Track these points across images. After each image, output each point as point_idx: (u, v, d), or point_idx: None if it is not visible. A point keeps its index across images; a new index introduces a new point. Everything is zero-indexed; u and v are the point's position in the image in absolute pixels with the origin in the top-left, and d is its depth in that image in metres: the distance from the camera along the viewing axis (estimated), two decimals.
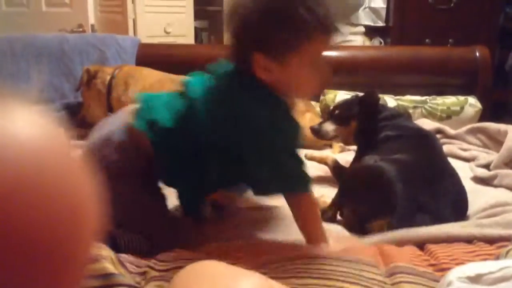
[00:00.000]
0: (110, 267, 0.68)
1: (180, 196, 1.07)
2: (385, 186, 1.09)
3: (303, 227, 0.99)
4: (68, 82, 1.95)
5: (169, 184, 1.06)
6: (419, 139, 1.27)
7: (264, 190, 1.01)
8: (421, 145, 1.25)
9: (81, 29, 2.79)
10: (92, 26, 2.92)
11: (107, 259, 0.69)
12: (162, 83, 1.78)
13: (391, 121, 1.32)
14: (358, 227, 1.11)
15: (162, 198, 1.06)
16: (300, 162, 0.97)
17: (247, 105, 0.94)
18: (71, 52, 1.99)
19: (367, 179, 1.15)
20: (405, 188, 1.08)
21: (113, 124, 1.05)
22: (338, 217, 1.19)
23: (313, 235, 0.98)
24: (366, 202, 1.12)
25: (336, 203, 1.18)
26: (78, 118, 1.81)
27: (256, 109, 0.93)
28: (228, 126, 0.95)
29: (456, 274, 0.63)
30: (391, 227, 1.06)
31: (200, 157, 0.99)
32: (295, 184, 0.96)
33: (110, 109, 1.78)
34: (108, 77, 1.78)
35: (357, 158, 1.35)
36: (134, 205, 0.98)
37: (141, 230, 0.97)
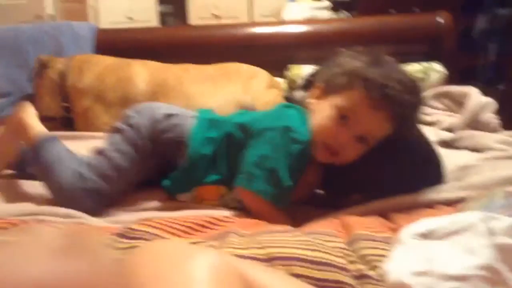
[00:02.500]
0: None
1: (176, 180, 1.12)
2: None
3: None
4: (25, 74, 1.88)
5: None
6: None
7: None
8: None
9: (39, 20, 2.71)
10: (52, 16, 2.84)
11: None
12: (120, 66, 1.74)
13: None
14: (334, 201, 1.10)
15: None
16: (279, 181, 1.01)
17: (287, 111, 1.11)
18: (26, 43, 1.92)
19: None
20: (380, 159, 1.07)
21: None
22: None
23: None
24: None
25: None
26: None
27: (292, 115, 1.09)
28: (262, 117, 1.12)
29: (408, 231, 0.62)
30: (366, 200, 1.05)
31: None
32: (254, 183, 1.01)
33: (65, 98, 1.72)
34: (61, 66, 1.73)
35: None
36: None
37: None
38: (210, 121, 1.16)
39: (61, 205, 1.07)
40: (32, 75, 1.79)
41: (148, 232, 0.89)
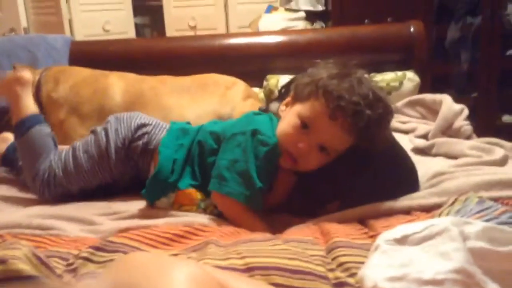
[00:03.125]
0: (26, 269, 0.64)
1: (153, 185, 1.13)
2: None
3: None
4: None
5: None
6: None
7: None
8: None
9: (13, 33, 2.68)
10: (26, 29, 2.80)
11: (21, 260, 0.64)
12: (96, 77, 1.72)
13: None
14: (312, 210, 1.11)
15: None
16: (250, 182, 1.03)
17: (255, 117, 1.14)
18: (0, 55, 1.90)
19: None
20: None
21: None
22: None
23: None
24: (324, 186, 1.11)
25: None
26: (4, 122, 1.72)
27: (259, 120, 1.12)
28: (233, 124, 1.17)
29: (384, 237, 0.63)
30: (343, 207, 1.06)
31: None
32: (225, 186, 1.04)
33: (40, 107, 1.70)
34: (37, 77, 1.71)
35: None
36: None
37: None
38: (180, 130, 1.22)
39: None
40: None
41: (126, 244, 0.88)
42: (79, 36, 2.96)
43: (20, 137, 1.27)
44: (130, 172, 1.23)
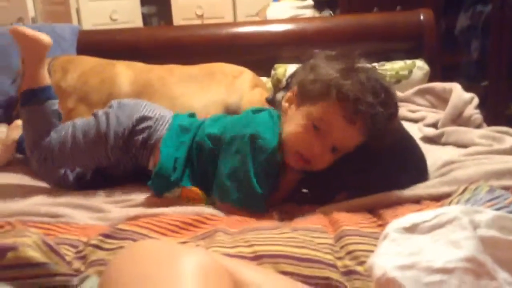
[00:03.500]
0: (36, 256, 0.64)
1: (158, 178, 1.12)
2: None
3: None
4: (8, 76, 1.85)
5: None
6: None
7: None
8: None
9: (21, 23, 2.68)
10: (33, 18, 2.81)
11: (31, 247, 0.64)
12: (103, 67, 1.72)
13: None
14: (319, 202, 1.10)
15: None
16: (251, 190, 1.03)
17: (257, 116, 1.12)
18: (8, 46, 1.88)
19: None
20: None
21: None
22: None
23: None
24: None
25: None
26: (14, 115, 1.72)
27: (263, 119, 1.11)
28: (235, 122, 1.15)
29: (393, 226, 0.62)
30: (352, 197, 1.06)
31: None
32: (225, 195, 1.05)
33: None
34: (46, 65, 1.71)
35: None
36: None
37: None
38: (181, 126, 1.19)
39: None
40: (15, 76, 1.76)
41: (135, 232, 0.88)
42: (87, 26, 2.96)
43: (31, 105, 1.23)
44: (129, 162, 1.22)
